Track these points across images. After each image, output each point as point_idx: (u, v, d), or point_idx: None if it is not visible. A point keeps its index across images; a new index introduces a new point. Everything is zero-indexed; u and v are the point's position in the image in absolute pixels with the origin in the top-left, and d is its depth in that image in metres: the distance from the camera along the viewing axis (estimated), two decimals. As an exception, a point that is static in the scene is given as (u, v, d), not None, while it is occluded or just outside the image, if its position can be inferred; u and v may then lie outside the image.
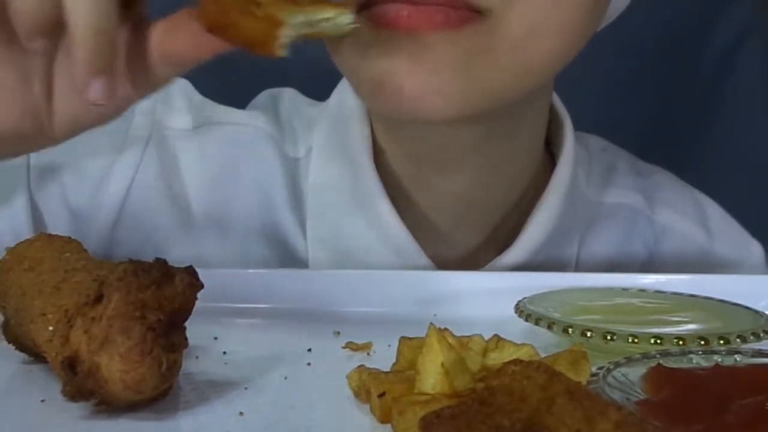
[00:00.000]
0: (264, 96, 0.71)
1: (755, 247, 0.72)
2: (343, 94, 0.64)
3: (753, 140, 1.07)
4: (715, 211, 0.73)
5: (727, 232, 0.72)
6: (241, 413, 0.36)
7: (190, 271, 0.37)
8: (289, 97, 0.71)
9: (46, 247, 0.43)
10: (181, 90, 0.68)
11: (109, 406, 0.35)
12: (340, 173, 0.62)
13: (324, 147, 0.64)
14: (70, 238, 0.46)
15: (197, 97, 0.69)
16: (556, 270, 0.63)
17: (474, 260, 0.63)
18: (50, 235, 0.45)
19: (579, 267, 0.65)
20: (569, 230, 0.64)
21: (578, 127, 0.74)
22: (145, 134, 0.64)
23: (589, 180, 0.68)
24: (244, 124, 0.67)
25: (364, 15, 0.47)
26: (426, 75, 0.47)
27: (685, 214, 0.71)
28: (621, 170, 0.72)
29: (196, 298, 0.37)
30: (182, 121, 0.66)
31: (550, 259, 0.62)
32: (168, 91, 0.67)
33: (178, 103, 0.67)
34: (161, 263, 0.37)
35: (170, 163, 0.64)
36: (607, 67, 1.04)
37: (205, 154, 0.65)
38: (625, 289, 0.53)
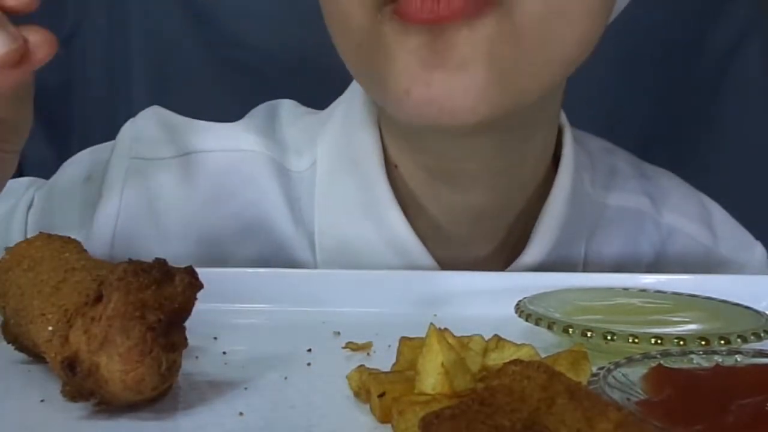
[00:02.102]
0: (261, 109, 0.70)
1: (758, 249, 0.72)
2: (351, 104, 0.63)
3: (753, 140, 1.07)
4: (719, 214, 0.73)
5: (731, 234, 0.72)
6: (241, 413, 0.36)
7: (190, 271, 0.37)
8: (287, 109, 0.69)
9: (45, 246, 0.43)
10: (153, 118, 0.66)
11: (108, 406, 0.35)
12: (349, 184, 0.61)
13: (331, 158, 0.63)
14: (69, 237, 0.45)
15: (174, 119, 0.67)
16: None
17: (484, 268, 0.62)
18: (50, 235, 0.45)
19: (586, 270, 0.65)
20: (574, 234, 0.64)
21: (579, 126, 0.74)
22: (121, 175, 0.62)
23: (594, 182, 0.68)
24: (233, 150, 0.65)
25: (388, 10, 0.48)
26: (453, 71, 0.47)
27: (691, 216, 0.71)
28: (625, 172, 0.71)
29: (196, 298, 0.37)
30: (161, 150, 0.64)
31: (557, 263, 0.62)
32: (138, 124, 0.65)
33: (152, 132, 0.65)
34: (161, 263, 0.37)
35: (153, 197, 0.63)
36: (607, 68, 1.04)
37: (191, 184, 0.63)
38: (625, 290, 0.53)
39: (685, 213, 0.71)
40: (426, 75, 0.48)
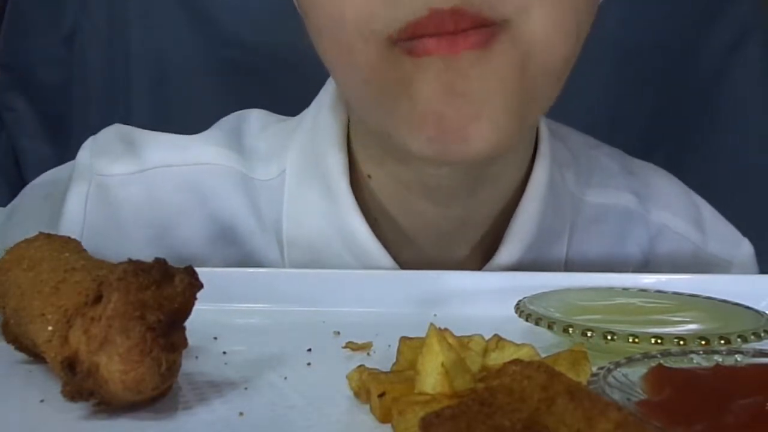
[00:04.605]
0: (228, 120, 0.70)
1: (745, 245, 0.71)
2: (318, 114, 0.63)
3: (752, 140, 1.07)
4: (707, 210, 0.72)
5: (719, 230, 0.71)
6: (241, 413, 0.36)
7: (190, 271, 0.37)
8: (255, 118, 0.69)
9: (45, 246, 0.43)
10: (113, 135, 0.66)
11: (108, 406, 0.35)
12: (315, 194, 0.61)
13: (299, 168, 0.63)
14: (69, 237, 0.46)
15: (134, 134, 0.67)
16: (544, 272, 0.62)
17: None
18: (49, 235, 0.45)
19: (568, 269, 0.65)
20: (553, 234, 0.63)
21: (579, 127, 0.74)
22: (83, 192, 0.62)
23: (577, 179, 0.67)
24: (194, 164, 0.64)
25: (400, 47, 0.47)
26: (464, 109, 0.47)
27: (680, 213, 0.70)
28: (610, 169, 0.70)
29: (196, 298, 0.37)
30: (123, 166, 0.63)
31: (536, 263, 0.62)
32: (99, 141, 0.65)
33: (113, 148, 0.64)
34: (161, 263, 0.37)
35: (117, 213, 0.62)
36: (607, 68, 1.04)
37: (154, 199, 0.63)
38: (625, 289, 0.53)
39: (674, 210, 0.70)
40: (440, 110, 0.47)
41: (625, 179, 0.70)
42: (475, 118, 0.47)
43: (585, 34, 0.51)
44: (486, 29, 0.46)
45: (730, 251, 0.70)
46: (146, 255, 0.59)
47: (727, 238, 0.71)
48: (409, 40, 0.47)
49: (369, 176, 0.60)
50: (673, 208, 0.70)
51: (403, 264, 0.60)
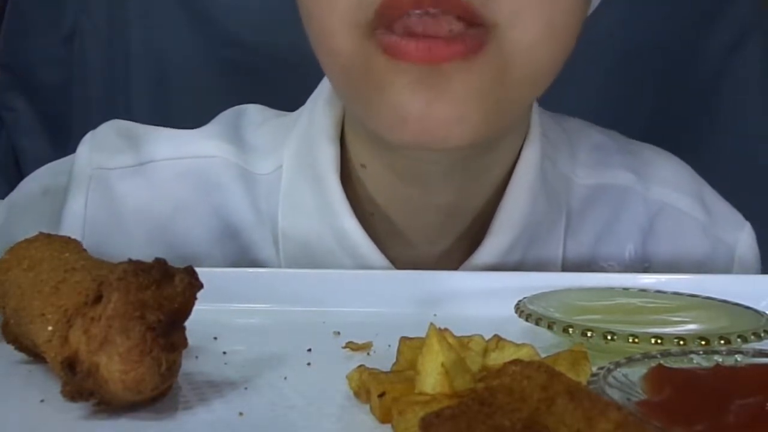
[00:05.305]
0: (226, 114, 0.70)
1: (747, 228, 0.70)
2: (314, 109, 0.63)
3: (752, 140, 1.07)
4: (709, 189, 0.71)
5: (723, 210, 0.70)
6: (241, 413, 0.36)
7: (190, 271, 0.37)
8: (253, 113, 0.69)
9: (45, 246, 0.43)
10: (112, 129, 0.66)
11: (108, 406, 0.35)
12: (307, 189, 0.61)
13: (294, 163, 0.63)
14: (69, 238, 0.46)
15: (134, 128, 0.67)
16: (541, 260, 0.62)
17: (446, 262, 0.62)
18: (49, 235, 0.45)
19: (567, 254, 0.64)
20: (548, 221, 0.63)
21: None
22: (84, 184, 0.62)
23: (572, 159, 0.67)
24: (194, 157, 0.65)
25: (375, 43, 0.48)
26: (448, 105, 0.48)
27: (683, 189, 0.69)
28: (607, 148, 0.69)
29: (196, 298, 0.37)
30: (123, 159, 0.64)
31: (532, 250, 0.62)
32: (98, 135, 0.65)
33: (112, 142, 0.65)
34: (161, 263, 0.37)
35: (118, 206, 0.63)
36: (607, 67, 1.04)
37: (154, 192, 0.63)
38: (625, 289, 0.53)
39: (676, 186, 0.69)
40: (420, 108, 0.48)
41: (622, 157, 0.69)
42: (455, 120, 0.48)
43: (570, 46, 0.52)
44: (470, 38, 0.47)
45: (734, 233, 0.69)
46: (147, 251, 0.60)
47: (730, 219, 0.70)
48: (386, 29, 0.47)
49: (363, 166, 0.60)
50: (675, 184, 0.69)
51: (394, 258, 0.60)
